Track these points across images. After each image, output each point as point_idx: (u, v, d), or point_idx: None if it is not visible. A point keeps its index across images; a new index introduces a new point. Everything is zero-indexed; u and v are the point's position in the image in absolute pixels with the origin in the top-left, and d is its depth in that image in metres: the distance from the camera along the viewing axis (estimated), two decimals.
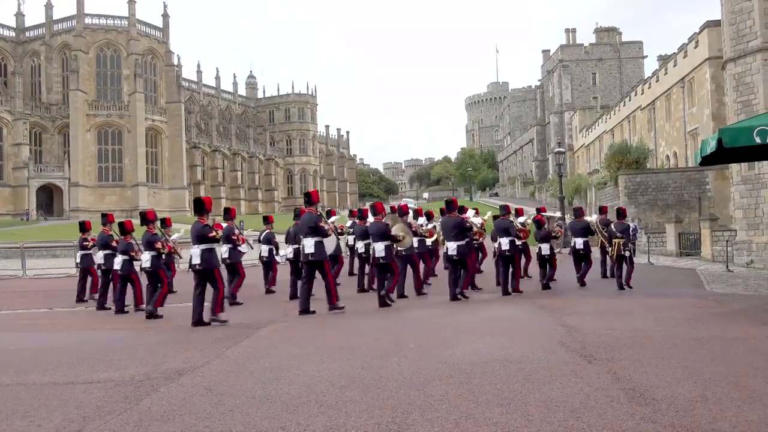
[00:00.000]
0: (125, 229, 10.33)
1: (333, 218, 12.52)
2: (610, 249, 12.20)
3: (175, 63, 74.63)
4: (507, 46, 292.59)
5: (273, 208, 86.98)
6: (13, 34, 69.27)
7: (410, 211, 12.93)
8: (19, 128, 61.71)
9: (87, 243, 12.19)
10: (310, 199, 9.28)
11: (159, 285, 9.59)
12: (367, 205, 11.87)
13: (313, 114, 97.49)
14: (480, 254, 13.93)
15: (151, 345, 6.84)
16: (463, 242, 10.17)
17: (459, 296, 10.10)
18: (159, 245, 9.64)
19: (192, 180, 74.26)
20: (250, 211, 78.78)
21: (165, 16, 72.71)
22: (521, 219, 12.88)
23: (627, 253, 11.69)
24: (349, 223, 14.29)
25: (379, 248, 9.58)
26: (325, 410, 4.02)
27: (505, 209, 11.77)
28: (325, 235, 9.03)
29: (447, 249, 10.33)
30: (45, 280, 18.03)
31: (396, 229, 10.02)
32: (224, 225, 10.45)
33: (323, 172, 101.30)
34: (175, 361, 5.71)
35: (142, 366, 5.49)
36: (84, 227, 12.35)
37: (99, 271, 11.43)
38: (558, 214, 14.70)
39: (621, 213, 12.66)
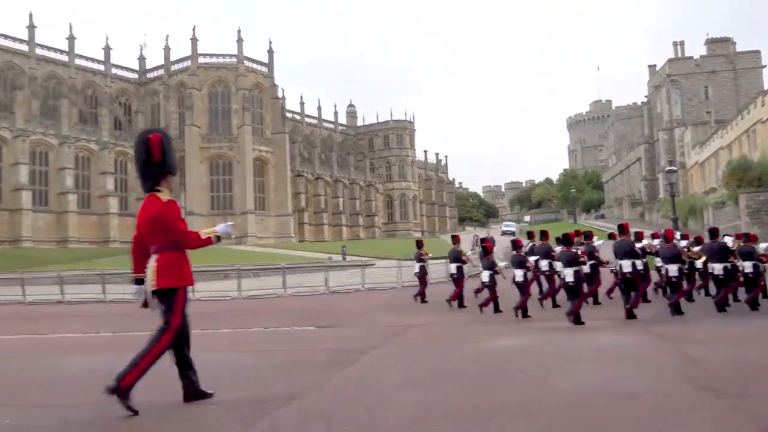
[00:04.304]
0: (487, 248, 12.77)
1: (599, 242, 14.05)
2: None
3: (280, 96, 78.15)
4: (608, 63, 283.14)
5: (374, 233, 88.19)
6: (136, 76, 75.41)
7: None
8: None
9: (423, 256, 15.64)
10: (624, 230, 11.35)
11: (578, 296, 10.61)
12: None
13: (411, 140, 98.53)
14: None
15: (258, 368, 7.04)
16: (728, 264, 11.41)
17: (725, 309, 11.09)
18: (582, 259, 11.11)
19: (296, 207, 76.89)
20: (351, 237, 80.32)
21: (270, 52, 76.54)
22: (639, 244, 12.57)
23: None
24: (656, 242, 14.74)
25: (626, 265, 10.78)
26: None
27: (714, 232, 12.41)
28: (639, 257, 11.09)
29: (713, 270, 11.52)
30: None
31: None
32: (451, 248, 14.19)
33: (422, 196, 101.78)
34: (284, 385, 5.84)
35: (253, 389, 5.66)
36: (419, 245, 16.23)
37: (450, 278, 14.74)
38: None
39: None
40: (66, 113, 63.05)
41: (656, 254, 12.56)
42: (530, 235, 15.06)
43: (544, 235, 13.56)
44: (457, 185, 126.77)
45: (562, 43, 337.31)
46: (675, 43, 73.09)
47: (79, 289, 23.34)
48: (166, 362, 6.29)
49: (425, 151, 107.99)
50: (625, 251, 10.74)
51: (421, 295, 15.48)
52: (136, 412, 4.54)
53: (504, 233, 57.30)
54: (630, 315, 10.44)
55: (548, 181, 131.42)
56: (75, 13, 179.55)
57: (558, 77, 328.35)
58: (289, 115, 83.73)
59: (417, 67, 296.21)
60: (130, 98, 74.12)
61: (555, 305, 12.93)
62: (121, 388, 4.50)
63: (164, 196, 4.84)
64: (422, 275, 15.55)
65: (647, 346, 7.95)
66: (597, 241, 13.79)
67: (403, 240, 68.08)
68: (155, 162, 4.87)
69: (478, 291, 14.15)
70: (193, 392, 4.93)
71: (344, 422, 4.39)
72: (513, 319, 11.48)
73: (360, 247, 53.42)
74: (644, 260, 12.36)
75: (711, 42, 72.60)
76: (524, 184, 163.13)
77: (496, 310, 12.40)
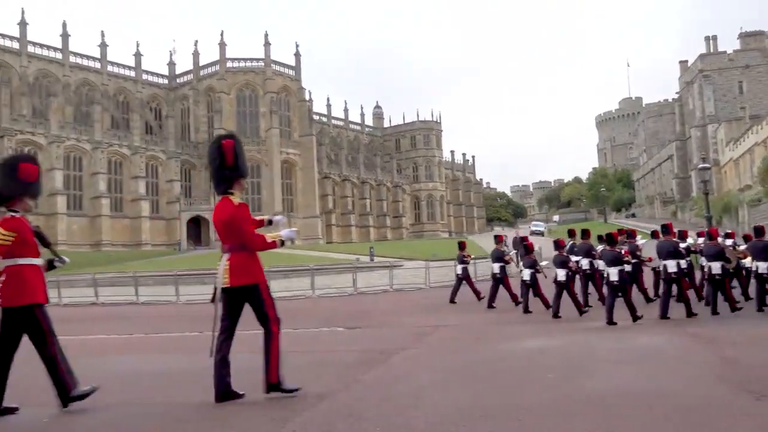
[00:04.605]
0: (528, 247, 12.91)
1: (642, 240, 13.98)
2: None
3: (307, 98, 78.65)
4: (638, 60, 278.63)
5: (401, 234, 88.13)
6: (166, 81, 76.65)
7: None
8: (172, 166, 67.76)
9: (466, 258, 15.90)
10: (668, 229, 11.05)
11: (621, 295, 10.38)
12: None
13: (438, 140, 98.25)
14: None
15: (288, 369, 7.04)
16: None
17: (763, 309, 10.73)
18: (627, 258, 11.05)
19: (323, 209, 77.24)
20: (378, 238, 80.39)
21: (297, 55, 77.05)
22: (684, 243, 12.39)
23: None
24: (700, 240, 14.69)
25: (671, 265, 10.52)
26: None
27: (759, 231, 11.92)
28: (683, 257, 10.91)
29: (758, 268, 11.14)
30: (195, 305, 19.40)
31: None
32: (494, 248, 14.33)
33: (449, 197, 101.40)
34: (315, 385, 5.84)
35: None
36: (462, 246, 16.38)
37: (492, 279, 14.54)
38: None
39: None
40: (99, 119, 64.38)
41: (700, 252, 12.42)
42: (571, 234, 14.94)
43: (585, 233, 13.48)
44: (484, 185, 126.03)
45: (589, 40, 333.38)
46: (707, 38, 71.76)
47: (112, 291, 23.77)
48: (198, 364, 6.38)
49: (452, 152, 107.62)
50: (669, 251, 10.63)
51: (476, 294, 15.63)
52: (298, 389, 5.14)
53: (532, 233, 56.80)
54: (665, 316, 10.32)
55: (577, 180, 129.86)
56: (105, 21, 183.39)
57: (586, 75, 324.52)
58: (316, 117, 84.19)
59: (444, 67, 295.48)
60: (161, 103, 75.34)
61: (587, 305, 12.78)
62: (274, 383, 5.06)
63: (236, 199, 5.10)
64: (465, 276, 15.80)
65: (682, 347, 7.79)
66: (640, 240, 13.67)
67: (431, 241, 67.90)
68: (228, 166, 5.11)
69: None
70: (227, 390, 5.07)
71: (374, 422, 4.39)
72: (544, 319, 11.36)
73: (387, 248, 53.45)
74: (688, 259, 12.15)
75: (745, 36, 71.05)
76: (553, 184, 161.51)
77: (526, 310, 12.33)
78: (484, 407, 4.72)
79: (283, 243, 5.29)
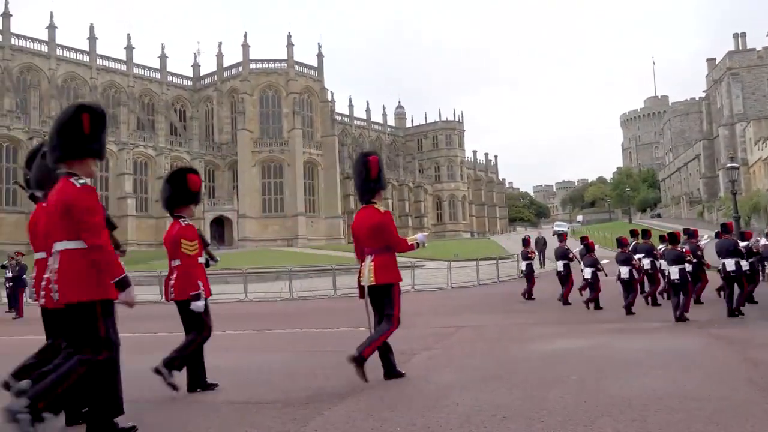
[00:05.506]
0: (589, 246, 13.19)
1: (705, 240, 14.05)
2: None
3: (329, 99, 78.93)
4: (664, 58, 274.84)
5: None
6: (190, 83, 77.51)
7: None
8: (196, 167, 68.30)
9: (530, 255, 16.09)
10: (728, 229, 11.24)
11: (685, 294, 10.33)
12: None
13: (460, 140, 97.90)
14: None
15: (310, 368, 7.10)
16: None
17: None
18: (688, 259, 10.69)
19: (345, 209, 77.45)
20: None
21: (319, 56, 77.38)
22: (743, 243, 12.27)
23: None
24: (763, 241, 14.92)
25: (729, 264, 10.51)
26: None
27: None
28: (743, 256, 10.83)
29: None
30: (217, 305, 19.57)
31: None
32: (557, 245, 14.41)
33: (472, 197, 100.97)
34: (336, 385, 5.87)
35: (306, 389, 5.72)
36: (526, 243, 16.34)
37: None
38: None
39: None
40: (125, 120, 65.36)
41: (760, 253, 12.36)
42: (633, 233, 15.05)
43: (646, 233, 13.68)
44: (507, 185, 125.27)
45: (615, 37, 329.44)
46: (735, 35, 70.45)
47: (138, 291, 23.88)
48: (221, 362, 6.44)
49: (474, 151, 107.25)
50: (729, 250, 10.58)
51: (528, 293, 15.80)
52: (366, 381, 5.41)
53: (555, 233, 56.30)
54: (731, 314, 10.31)
55: (601, 180, 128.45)
56: (131, 23, 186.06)
57: (610, 73, 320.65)
58: (338, 117, 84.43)
59: (467, 68, 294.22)
60: (185, 104, 76.21)
61: (655, 303, 12.89)
62: (363, 357, 5.42)
63: (381, 207, 5.78)
64: (529, 273, 16.02)
65: (708, 349, 7.67)
66: (703, 240, 13.65)
67: (453, 241, 67.68)
68: (373, 179, 5.81)
69: (581, 289, 14.18)
70: (391, 372, 5.80)
71: (395, 423, 4.39)
72: (569, 320, 11.28)
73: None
74: (750, 260, 11.98)
75: None
76: (576, 184, 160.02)
77: (597, 306, 12.47)
78: (506, 408, 4.69)
79: (419, 245, 5.88)
